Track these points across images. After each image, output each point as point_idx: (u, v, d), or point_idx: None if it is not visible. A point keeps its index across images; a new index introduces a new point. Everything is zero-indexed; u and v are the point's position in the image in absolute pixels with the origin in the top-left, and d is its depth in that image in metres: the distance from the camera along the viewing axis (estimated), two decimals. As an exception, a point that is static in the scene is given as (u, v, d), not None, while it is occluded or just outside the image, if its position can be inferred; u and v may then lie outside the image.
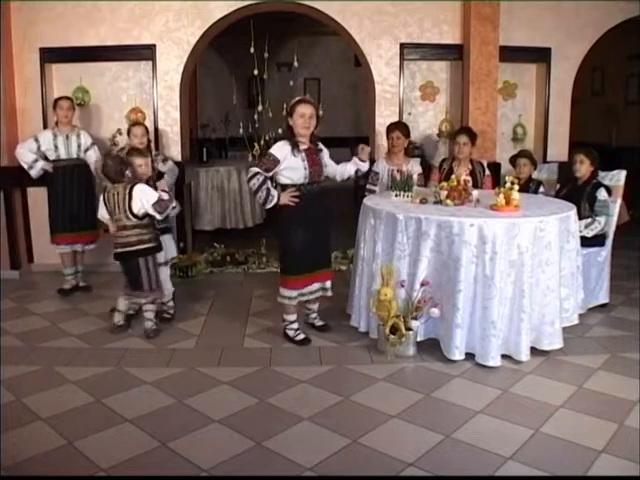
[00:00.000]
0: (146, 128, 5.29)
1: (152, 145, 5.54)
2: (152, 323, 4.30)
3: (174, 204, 4.29)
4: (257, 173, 3.92)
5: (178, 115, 5.96)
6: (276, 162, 3.93)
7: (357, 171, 4.36)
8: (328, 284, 4.22)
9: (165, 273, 4.54)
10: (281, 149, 3.96)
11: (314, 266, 4.10)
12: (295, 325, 4.19)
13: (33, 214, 5.88)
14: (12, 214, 5.78)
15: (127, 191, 4.08)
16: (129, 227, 4.12)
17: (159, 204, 4.07)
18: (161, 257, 4.44)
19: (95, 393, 3.39)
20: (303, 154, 3.97)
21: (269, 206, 4.00)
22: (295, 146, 3.95)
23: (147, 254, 4.18)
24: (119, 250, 4.20)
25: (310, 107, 3.94)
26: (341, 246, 6.22)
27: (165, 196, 4.14)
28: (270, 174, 3.96)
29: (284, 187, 4.01)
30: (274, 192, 3.96)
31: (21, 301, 5.09)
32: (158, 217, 4.17)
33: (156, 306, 4.36)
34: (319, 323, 4.38)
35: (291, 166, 3.95)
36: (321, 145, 4.15)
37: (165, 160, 5.48)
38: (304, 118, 3.91)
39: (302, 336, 4.16)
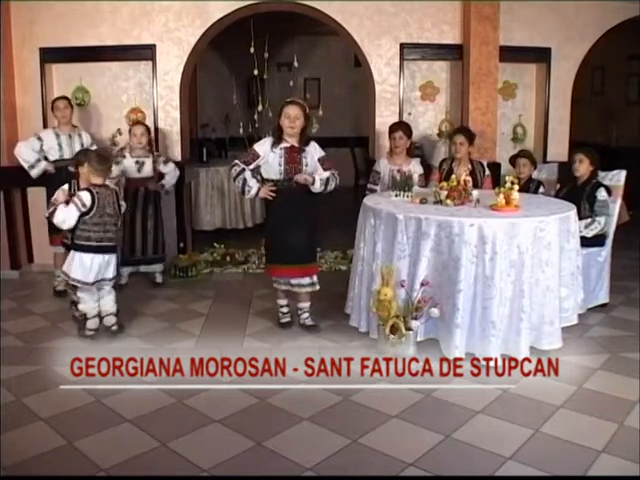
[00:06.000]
0: (147, 128, 5.29)
1: (153, 146, 5.55)
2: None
3: (57, 216, 4.08)
4: (236, 164, 4.24)
5: (178, 115, 5.96)
6: (255, 156, 4.18)
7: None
8: (315, 278, 4.34)
9: (81, 292, 4.19)
10: (262, 145, 4.23)
11: (296, 259, 4.21)
12: (284, 309, 4.45)
13: (33, 214, 5.86)
14: (12, 214, 5.77)
15: None
16: None
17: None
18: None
19: (95, 393, 3.39)
20: (282, 151, 4.14)
21: (248, 196, 4.32)
22: (276, 143, 4.15)
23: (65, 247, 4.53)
24: None
25: (296, 108, 4.10)
26: (341, 246, 6.21)
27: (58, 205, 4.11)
28: (250, 167, 4.20)
29: (265, 181, 4.24)
30: (252, 183, 4.19)
31: (21, 301, 5.08)
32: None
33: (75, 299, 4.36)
34: (309, 323, 4.38)
35: (269, 161, 4.17)
36: (312, 146, 4.21)
37: (167, 161, 5.49)
38: (289, 119, 4.09)
39: (285, 320, 4.43)
